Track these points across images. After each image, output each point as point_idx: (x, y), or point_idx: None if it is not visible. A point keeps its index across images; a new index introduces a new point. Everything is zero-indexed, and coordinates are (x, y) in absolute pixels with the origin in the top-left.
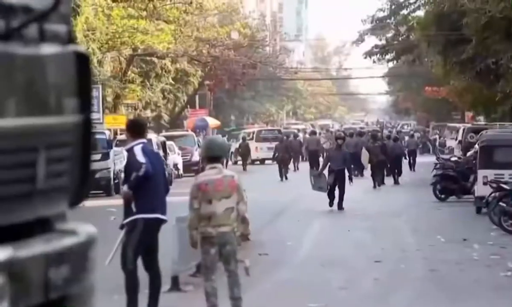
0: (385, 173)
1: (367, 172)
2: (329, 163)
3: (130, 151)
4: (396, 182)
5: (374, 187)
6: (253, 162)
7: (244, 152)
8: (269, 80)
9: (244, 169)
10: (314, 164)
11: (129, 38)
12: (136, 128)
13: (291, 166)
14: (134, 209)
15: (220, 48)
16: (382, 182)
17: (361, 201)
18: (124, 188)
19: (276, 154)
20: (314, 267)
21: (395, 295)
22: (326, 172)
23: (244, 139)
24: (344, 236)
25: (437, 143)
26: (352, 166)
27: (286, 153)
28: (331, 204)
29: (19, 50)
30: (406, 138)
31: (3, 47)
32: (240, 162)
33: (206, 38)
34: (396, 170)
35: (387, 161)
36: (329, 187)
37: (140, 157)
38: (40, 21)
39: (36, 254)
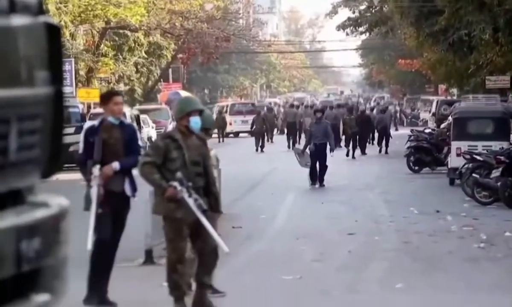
0: (357, 144)
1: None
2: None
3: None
4: (386, 151)
5: (347, 155)
6: (227, 135)
7: (220, 124)
8: (242, 53)
9: (221, 141)
10: (291, 135)
11: (101, 11)
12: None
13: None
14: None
15: (193, 21)
16: (362, 153)
17: (335, 174)
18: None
19: (254, 127)
20: (288, 239)
21: (368, 267)
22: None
23: (220, 112)
24: (318, 208)
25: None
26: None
27: (263, 126)
28: (313, 183)
29: None
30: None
31: None
32: (215, 135)
33: (179, 11)
34: (384, 141)
35: (361, 133)
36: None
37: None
38: None
39: (7, 227)
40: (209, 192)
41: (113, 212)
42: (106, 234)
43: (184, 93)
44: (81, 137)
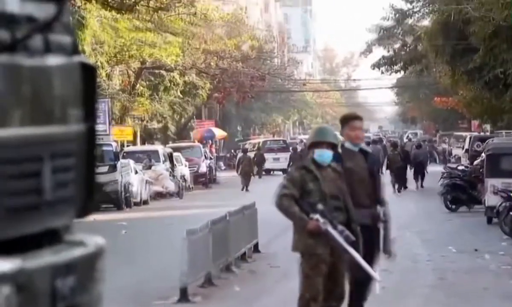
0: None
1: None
2: None
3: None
4: (421, 186)
5: (394, 192)
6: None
7: (259, 161)
8: (277, 92)
9: (260, 177)
10: None
11: (137, 51)
12: None
13: None
14: None
15: (228, 60)
16: (403, 187)
17: None
18: None
19: (291, 164)
20: None
21: (402, 302)
22: None
23: (259, 149)
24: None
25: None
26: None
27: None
28: None
29: (24, 61)
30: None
31: (9, 58)
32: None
33: (214, 51)
34: (420, 175)
35: (407, 167)
36: None
37: None
38: (43, 31)
39: (44, 265)
40: (349, 229)
41: None
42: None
43: (217, 131)
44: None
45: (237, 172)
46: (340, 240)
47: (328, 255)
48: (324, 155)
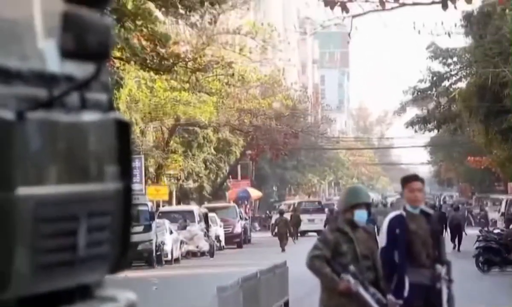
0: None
1: None
2: None
3: None
4: (458, 249)
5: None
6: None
7: (295, 222)
8: (311, 149)
9: (296, 239)
10: None
11: (171, 109)
12: None
13: None
14: None
15: (262, 118)
16: None
17: None
18: None
19: (326, 225)
20: None
21: None
22: None
23: (295, 210)
24: None
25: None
26: None
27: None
28: None
29: (61, 118)
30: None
31: (46, 115)
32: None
33: (248, 109)
34: (457, 238)
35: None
36: None
37: None
38: (81, 89)
39: None
40: (377, 288)
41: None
42: None
43: (252, 191)
44: (383, 228)
45: (272, 233)
46: (372, 302)
47: None
48: (363, 216)
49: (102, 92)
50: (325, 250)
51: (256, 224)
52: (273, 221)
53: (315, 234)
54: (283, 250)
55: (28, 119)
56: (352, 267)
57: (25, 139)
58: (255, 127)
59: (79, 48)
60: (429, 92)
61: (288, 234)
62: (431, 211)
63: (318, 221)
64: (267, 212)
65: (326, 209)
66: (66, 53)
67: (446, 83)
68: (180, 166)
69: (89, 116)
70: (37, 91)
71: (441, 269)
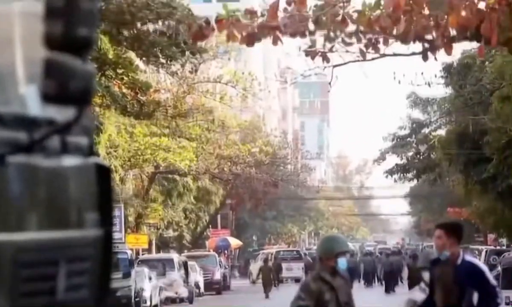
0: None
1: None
2: None
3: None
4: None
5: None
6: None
7: (276, 269)
8: (290, 199)
9: (276, 285)
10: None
11: (151, 156)
12: (460, 231)
13: None
14: None
15: (242, 166)
16: None
17: None
18: None
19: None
20: None
21: None
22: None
23: (276, 258)
24: None
25: None
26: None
27: None
28: None
29: (41, 162)
30: None
31: (27, 159)
32: (258, 282)
33: (227, 156)
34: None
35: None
36: None
37: (491, 277)
38: (62, 132)
39: None
40: None
41: None
42: None
43: (232, 240)
44: (486, 269)
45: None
46: None
47: None
48: (345, 264)
49: (83, 136)
50: (308, 300)
51: (236, 272)
52: (251, 269)
53: (293, 281)
54: (267, 296)
55: (9, 162)
56: None
57: (5, 184)
58: (235, 175)
59: (61, 93)
60: (408, 139)
61: (272, 281)
62: (466, 260)
63: (295, 269)
64: (248, 260)
65: (308, 258)
66: (48, 98)
67: (425, 130)
68: (160, 215)
69: (69, 161)
70: (17, 134)
71: None
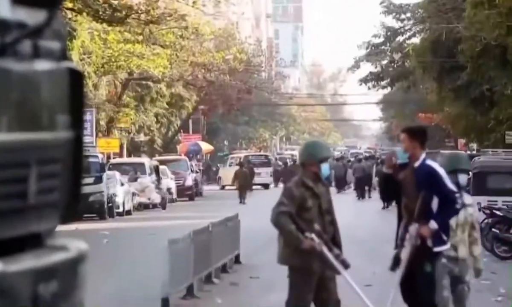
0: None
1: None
2: None
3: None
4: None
5: (384, 207)
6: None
7: (250, 174)
8: (263, 105)
9: (250, 190)
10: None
11: (125, 62)
12: (423, 135)
13: None
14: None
15: (216, 73)
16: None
17: (357, 226)
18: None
19: (281, 178)
20: None
21: None
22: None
23: (249, 162)
24: None
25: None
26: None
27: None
28: None
29: (12, 65)
30: None
31: None
32: (227, 187)
33: (201, 63)
34: None
35: None
36: None
37: (448, 182)
38: (33, 37)
39: (26, 269)
40: (335, 241)
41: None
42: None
43: (203, 144)
44: (443, 173)
45: (223, 185)
46: (335, 263)
47: (320, 270)
48: (327, 170)
49: (55, 41)
50: (291, 206)
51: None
52: (220, 174)
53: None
54: (243, 202)
55: None
56: (317, 226)
57: None
58: (208, 82)
59: None
60: (383, 47)
61: (247, 186)
62: (422, 164)
63: (264, 175)
64: (218, 165)
65: (279, 162)
66: (17, 0)
67: (400, 39)
68: (131, 119)
69: (41, 65)
70: None
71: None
